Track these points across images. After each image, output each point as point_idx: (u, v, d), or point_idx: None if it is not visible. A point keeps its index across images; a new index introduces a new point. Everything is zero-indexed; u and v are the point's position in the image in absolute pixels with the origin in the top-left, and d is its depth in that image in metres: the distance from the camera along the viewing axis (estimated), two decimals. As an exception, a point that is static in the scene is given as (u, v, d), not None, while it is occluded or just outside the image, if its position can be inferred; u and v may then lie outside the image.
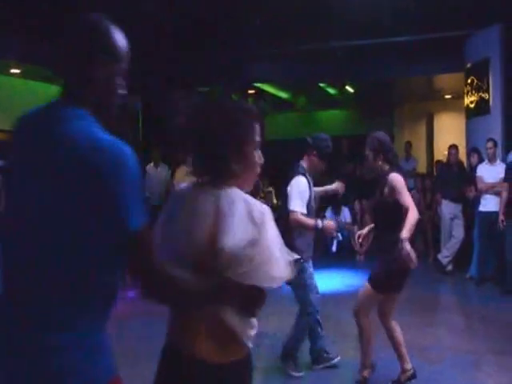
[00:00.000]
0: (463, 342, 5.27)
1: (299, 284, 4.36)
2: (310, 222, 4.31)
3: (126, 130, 11.16)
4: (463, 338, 5.40)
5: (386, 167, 4.03)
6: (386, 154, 4.05)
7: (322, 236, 5.53)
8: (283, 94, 14.38)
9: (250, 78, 11.77)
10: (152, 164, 9.84)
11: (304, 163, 4.50)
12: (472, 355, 4.91)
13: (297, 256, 4.37)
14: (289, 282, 4.45)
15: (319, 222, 4.30)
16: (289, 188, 4.38)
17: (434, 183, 9.70)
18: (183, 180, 8.72)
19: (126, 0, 7.94)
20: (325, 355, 4.64)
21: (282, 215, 4.40)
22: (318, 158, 4.48)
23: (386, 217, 4.00)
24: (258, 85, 12.85)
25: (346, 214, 9.86)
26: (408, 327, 5.41)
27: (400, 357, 4.08)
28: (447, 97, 14.36)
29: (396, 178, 3.93)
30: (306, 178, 4.41)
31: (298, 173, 4.40)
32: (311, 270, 4.49)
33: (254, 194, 9.19)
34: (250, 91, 13.26)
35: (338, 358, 4.66)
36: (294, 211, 4.29)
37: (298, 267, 4.35)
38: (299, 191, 4.33)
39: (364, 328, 4.11)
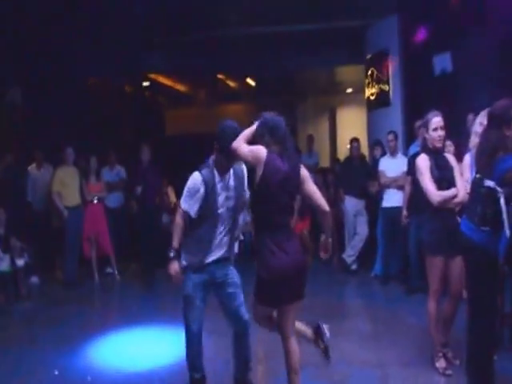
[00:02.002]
0: (369, 353, 4.82)
1: (182, 294, 3.84)
2: (179, 233, 3.78)
3: (5, 126, 10.01)
4: (369, 348, 4.94)
5: None
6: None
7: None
8: (182, 88, 13.66)
9: (142, 68, 10.90)
10: (34, 165, 8.89)
11: (213, 156, 3.81)
12: (379, 369, 4.50)
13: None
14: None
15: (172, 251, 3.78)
16: None
17: (336, 178, 9.31)
18: (63, 182, 7.51)
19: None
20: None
21: None
22: (217, 152, 3.75)
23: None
24: (154, 77, 12.03)
25: (246, 214, 9.32)
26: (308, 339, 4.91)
27: None
28: (349, 91, 14.25)
29: None
30: (211, 173, 3.72)
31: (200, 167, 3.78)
32: (196, 281, 3.83)
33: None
34: (145, 83, 12.43)
35: None
36: (179, 207, 3.81)
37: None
38: (187, 188, 3.73)
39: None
